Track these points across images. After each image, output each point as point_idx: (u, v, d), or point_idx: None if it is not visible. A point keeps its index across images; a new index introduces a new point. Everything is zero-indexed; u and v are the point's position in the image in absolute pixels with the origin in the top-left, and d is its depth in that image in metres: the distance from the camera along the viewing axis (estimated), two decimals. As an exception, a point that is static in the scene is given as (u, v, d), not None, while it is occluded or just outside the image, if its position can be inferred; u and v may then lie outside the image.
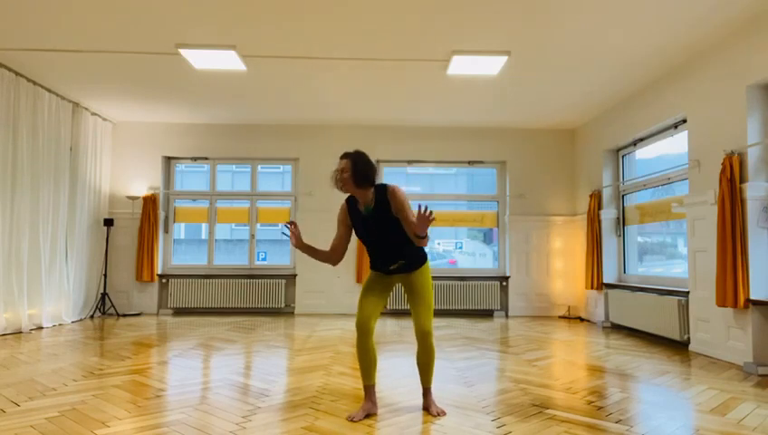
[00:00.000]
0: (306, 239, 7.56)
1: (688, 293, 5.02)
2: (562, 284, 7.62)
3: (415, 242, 2.70)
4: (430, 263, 3.01)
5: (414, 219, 2.66)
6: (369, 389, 2.87)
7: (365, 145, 7.66)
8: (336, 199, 7.63)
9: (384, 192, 2.78)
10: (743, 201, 4.28)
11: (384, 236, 2.80)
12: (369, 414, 2.82)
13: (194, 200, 8.06)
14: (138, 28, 4.57)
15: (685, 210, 5.08)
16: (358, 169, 2.73)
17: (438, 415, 2.84)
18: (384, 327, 6.21)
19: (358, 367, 4.05)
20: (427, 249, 2.94)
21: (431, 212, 2.55)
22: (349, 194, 2.86)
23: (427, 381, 2.96)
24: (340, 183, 2.76)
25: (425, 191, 8.78)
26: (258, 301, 7.47)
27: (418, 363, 2.94)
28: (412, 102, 6.59)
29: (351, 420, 2.73)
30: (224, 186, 12.32)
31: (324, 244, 7.55)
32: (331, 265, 7.47)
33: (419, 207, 2.57)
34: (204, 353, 4.56)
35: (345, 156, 2.79)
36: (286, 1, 4.08)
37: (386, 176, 7.95)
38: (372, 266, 2.97)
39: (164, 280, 7.55)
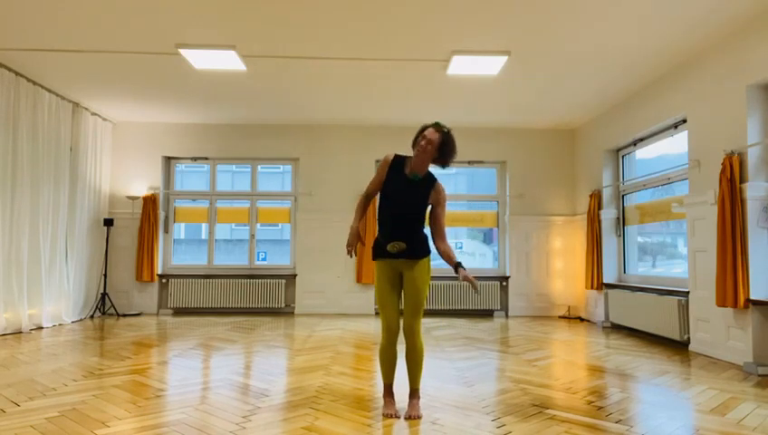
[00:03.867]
0: (306, 239, 7.57)
1: (688, 293, 5.02)
2: (562, 284, 7.62)
3: (438, 247, 2.88)
4: (431, 263, 3.01)
5: (442, 226, 2.90)
6: (391, 386, 2.96)
7: (365, 145, 7.67)
8: (337, 199, 7.63)
9: (434, 181, 2.89)
10: (743, 201, 4.28)
11: (411, 206, 2.84)
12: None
13: (194, 200, 8.06)
14: (138, 28, 4.57)
15: (685, 210, 5.08)
16: (445, 151, 2.81)
17: (409, 417, 2.79)
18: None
19: (358, 367, 4.05)
20: (430, 249, 2.97)
21: (474, 287, 2.68)
22: (398, 156, 2.93)
23: (414, 381, 2.93)
24: (420, 150, 2.79)
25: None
26: (258, 301, 7.47)
27: (407, 362, 2.93)
28: (412, 102, 6.59)
29: (396, 417, 2.79)
30: (224, 186, 12.33)
31: (324, 244, 7.55)
32: (329, 269, 7.51)
33: (475, 287, 2.69)
34: (204, 353, 4.56)
35: (440, 131, 2.81)
36: (286, 1, 4.08)
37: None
38: (376, 250, 2.92)
39: (164, 280, 7.55)
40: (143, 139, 7.68)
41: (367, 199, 2.99)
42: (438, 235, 2.90)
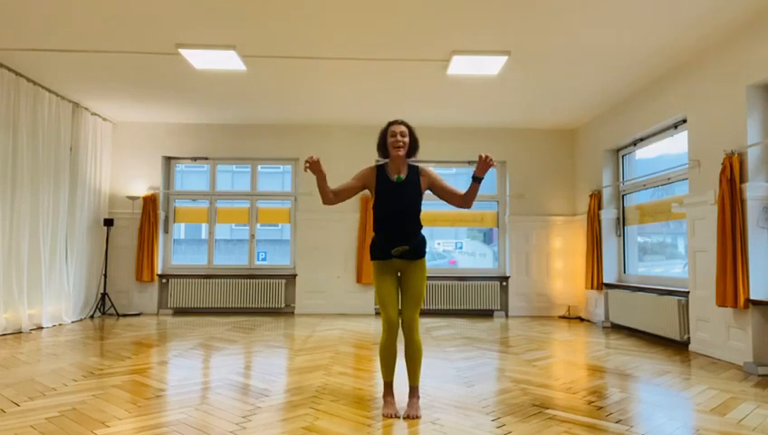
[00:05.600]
0: (306, 239, 7.57)
1: (688, 293, 5.02)
2: (562, 284, 7.62)
3: (464, 204, 2.95)
4: (429, 263, 3.06)
5: (453, 189, 2.97)
6: (391, 385, 2.96)
7: (365, 145, 7.62)
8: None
9: (416, 170, 2.98)
10: (743, 201, 4.28)
11: (406, 207, 2.90)
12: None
13: (194, 200, 8.06)
14: (138, 28, 4.57)
15: (685, 210, 5.08)
16: (413, 138, 2.97)
17: (408, 417, 2.79)
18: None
19: (358, 367, 4.06)
20: (427, 249, 3.03)
21: (490, 157, 2.75)
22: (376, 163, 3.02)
23: (414, 378, 2.94)
24: (401, 144, 2.89)
25: (425, 191, 8.77)
26: (258, 301, 7.47)
27: (406, 358, 2.94)
28: (412, 102, 6.59)
29: (396, 417, 2.79)
30: (224, 186, 12.33)
31: (323, 244, 7.56)
32: (329, 269, 7.51)
33: (480, 156, 2.78)
34: (204, 353, 4.56)
35: (401, 122, 2.96)
36: (286, 1, 4.08)
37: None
38: (376, 252, 2.94)
39: (164, 280, 7.55)
40: (143, 139, 7.68)
41: (334, 194, 2.91)
42: (455, 196, 2.98)
